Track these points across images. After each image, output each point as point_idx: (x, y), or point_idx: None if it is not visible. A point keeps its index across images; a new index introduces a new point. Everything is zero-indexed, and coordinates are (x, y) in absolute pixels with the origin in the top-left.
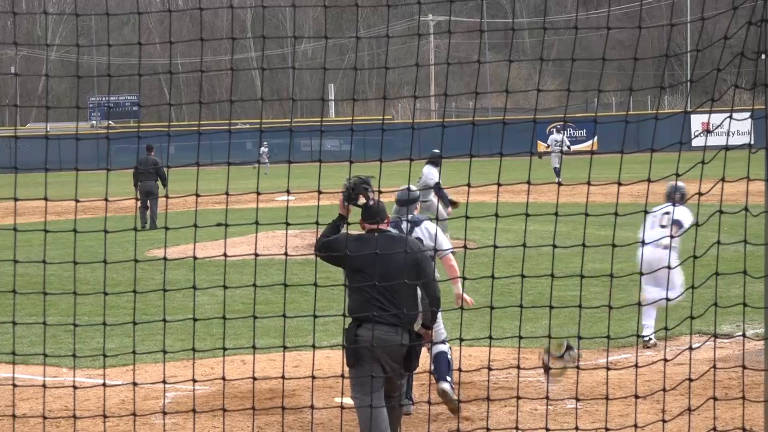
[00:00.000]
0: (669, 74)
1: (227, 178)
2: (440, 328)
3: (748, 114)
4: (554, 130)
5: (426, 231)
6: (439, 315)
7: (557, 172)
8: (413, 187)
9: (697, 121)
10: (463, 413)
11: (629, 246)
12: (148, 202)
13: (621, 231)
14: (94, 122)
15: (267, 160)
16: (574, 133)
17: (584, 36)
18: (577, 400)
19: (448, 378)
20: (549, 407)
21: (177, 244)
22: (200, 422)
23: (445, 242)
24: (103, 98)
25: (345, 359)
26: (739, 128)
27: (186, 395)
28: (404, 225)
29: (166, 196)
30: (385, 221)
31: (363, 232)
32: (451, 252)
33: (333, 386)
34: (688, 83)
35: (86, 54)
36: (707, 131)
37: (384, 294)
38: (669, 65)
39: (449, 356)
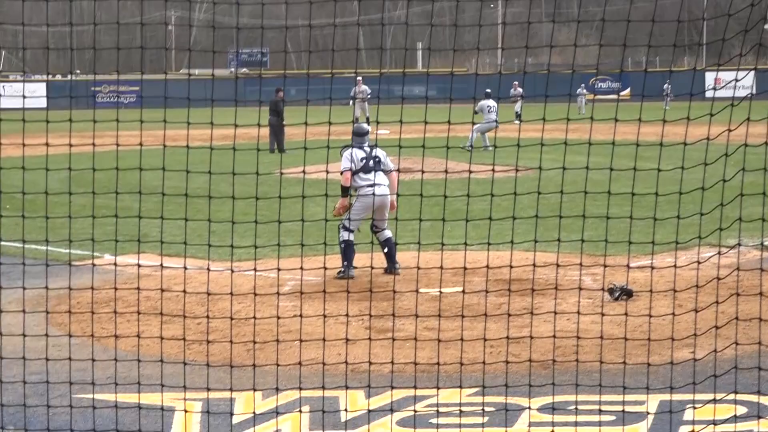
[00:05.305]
0: (688, 39)
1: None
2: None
3: (751, 72)
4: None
5: (382, 151)
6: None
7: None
8: (364, 126)
9: (710, 77)
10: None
11: (647, 172)
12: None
13: (641, 162)
14: (232, 69)
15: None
16: (612, 85)
17: (615, 8)
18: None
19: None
20: (582, 299)
21: (291, 167)
22: (312, 305)
23: (391, 163)
24: (240, 51)
25: None
26: (743, 84)
27: (298, 284)
28: (366, 147)
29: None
30: None
31: None
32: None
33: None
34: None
35: (226, 15)
36: (714, 88)
37: None
38: (688, 32)
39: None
